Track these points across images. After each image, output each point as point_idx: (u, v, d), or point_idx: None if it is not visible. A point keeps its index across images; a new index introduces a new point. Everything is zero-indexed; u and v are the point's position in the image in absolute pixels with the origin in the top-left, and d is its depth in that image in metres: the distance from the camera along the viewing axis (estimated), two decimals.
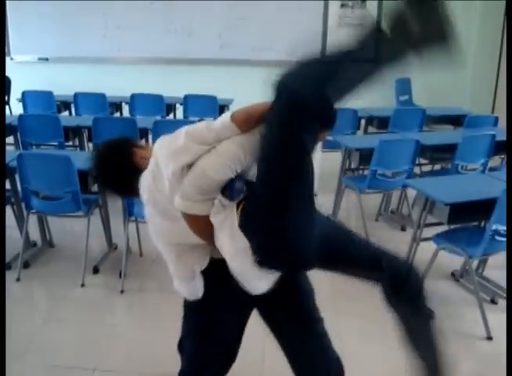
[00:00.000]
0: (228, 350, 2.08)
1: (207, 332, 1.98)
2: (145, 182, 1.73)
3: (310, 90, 1.53)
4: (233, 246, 1.64)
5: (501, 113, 7.14)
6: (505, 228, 3.07)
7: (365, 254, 1.95)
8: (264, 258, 1.63)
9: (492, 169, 4.93)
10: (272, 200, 1.57)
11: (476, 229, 3.57)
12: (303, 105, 1.49)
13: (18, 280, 3.78)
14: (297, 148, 1.54)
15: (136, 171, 1.76)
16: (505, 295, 3.58)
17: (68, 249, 4.31)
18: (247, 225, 1.61)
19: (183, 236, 1.73)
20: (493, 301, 3.58)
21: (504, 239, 3.10)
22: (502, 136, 4.71)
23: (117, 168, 1.88)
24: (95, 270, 3.92)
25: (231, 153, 1.60)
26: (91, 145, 5.44)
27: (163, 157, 1.68)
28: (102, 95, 6.68)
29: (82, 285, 3.73)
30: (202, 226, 1.68)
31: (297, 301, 2.06)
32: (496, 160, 5.40)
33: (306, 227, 1.64)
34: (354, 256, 1.92)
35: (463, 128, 5.89)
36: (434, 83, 8.28)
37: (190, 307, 1.99)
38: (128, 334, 3.26)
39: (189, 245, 1.79)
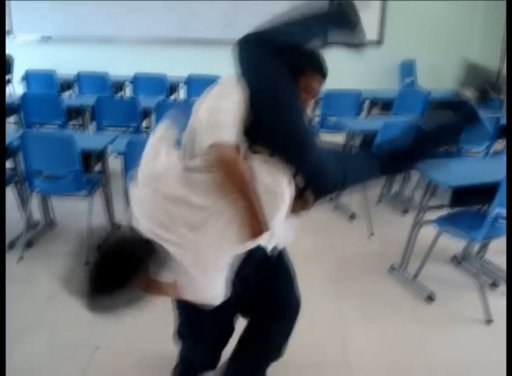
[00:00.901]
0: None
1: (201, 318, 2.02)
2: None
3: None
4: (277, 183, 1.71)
5: (505, 96, 7.07)
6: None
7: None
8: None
9: (496, 153, 4.91)
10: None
11: (478, 213, 3.57)
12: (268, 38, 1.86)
13: (21, 258, 3.80)
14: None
15: None
16: (505, 278, 3.60)
17: (71, 229, 4.33)
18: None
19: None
20: (494, 285, 3.59)
21: (505, 222, 3.10)
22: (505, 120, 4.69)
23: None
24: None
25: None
26: (93, 125, 5.42)
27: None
28: (105, 75, 6.66)
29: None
30: (238, 170, 1.68)
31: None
32: (500, 144, 5.37)
33: None
34: None
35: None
36: (439, 65, 8.22)
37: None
38: (132, 313, 3.27)
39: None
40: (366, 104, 6.28)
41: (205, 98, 1.83)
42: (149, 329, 3.05)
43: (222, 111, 1.72)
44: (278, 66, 1.80)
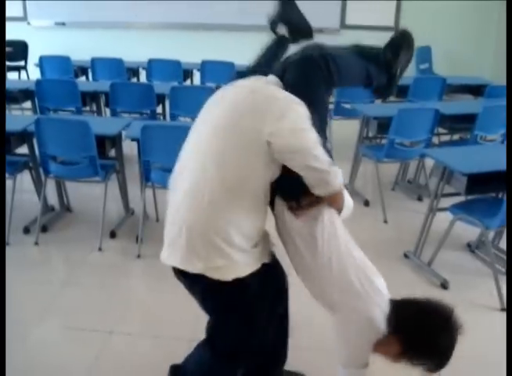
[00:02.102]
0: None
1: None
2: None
3: None
4: None
5: None
6: None
7: None
8: None
9: None
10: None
11: (493, 200, 3.55)
12: None
13: (36, 244, 3.83)
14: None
15: None
16: None
17: (85, 214, 4.36)
18: None
19: None
20: None
21: None
22: None
23: None
24: (113, 235, 3.97)
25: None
26: (108, 110, 5.43)
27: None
28: (120, 61, 6.65)
29: (99, 249, 3.78)
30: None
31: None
32: None
33: None
34: None
35: (483, 98, 5.81)
36: (456, 52, 8.15)
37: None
38: (144, 297, 3.31)
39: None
40: None
41: (256, 113, 1.71)
42: (164, 313, 3.08)
43: (315, 143, 1.70)
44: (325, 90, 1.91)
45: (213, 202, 1.68)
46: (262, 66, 2.16)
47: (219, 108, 1.80)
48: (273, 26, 2.28)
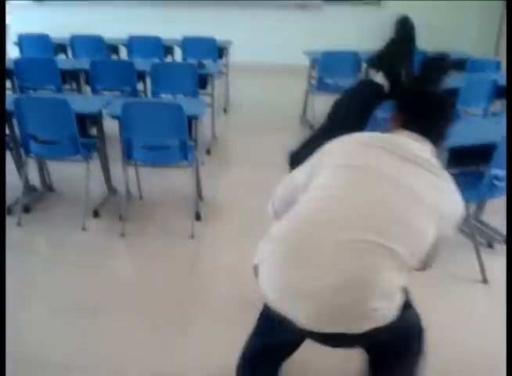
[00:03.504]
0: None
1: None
2: None
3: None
4: None
5: (504, 57, 7.04)
6: (504, 173, 3.07)
7: None
8: None
9: (493, 114, 4.89)
10: None
11: (474, 174, 3.57)
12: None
13: (19, 224, 3.81)
14: None
15: None
16: (500, 239, 3.63)
17: (68, 193, 4.33)
18: None
19: None
20: (490, 246, 3.61)
21: (502, 184, 3.11)
22: (503, 81, 4.66)
23: None
24: (96, 214, 3.95)
25: None
26: (88, 88, 5.37)
27: None
28: (99, 38, 6.56)
29: (83, 229, 3.77)
30: None
31: None
32: (497, 105, 5.35)
33: None
34: None
35: (465, 72, 5.82)
36: (438, 26, 8.13)
37: None
38: (129, 275, 3.32)
39: None
40: (364, 65, 6.22)
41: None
42: (149, 291, 3.09)
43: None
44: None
45: None
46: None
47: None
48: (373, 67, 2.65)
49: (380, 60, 2.69)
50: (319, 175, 1.77)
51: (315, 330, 1.62)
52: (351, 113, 2.36)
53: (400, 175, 1.70)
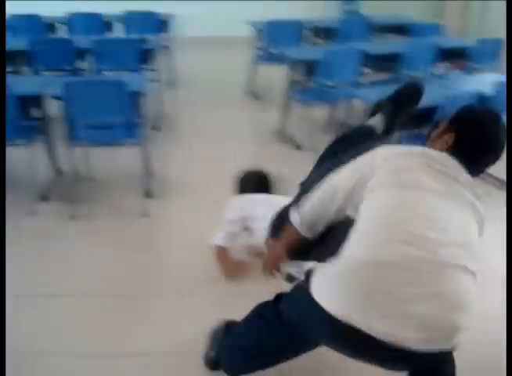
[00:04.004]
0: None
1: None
2: None
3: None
4: None
5: (449, 21, 7.16)
6: None
7: None
8: None
9: (437, 77, 4.97)
10: None
11: (419, 135, 3.63)
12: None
13: None
14: None
15: None
16: None
17: (15, 178, 4.21)
18: None
19: None
20: None
21: None
22: (446, 44, 4.74)
23: None
24: (45, 197, 3.87)
25: None
26: (28, 69, 5.21)
27: None
28: (37, 17, 6.35)
29: (32, 213, 3.69)
30: None
31: None
32: (441, 68, 5.44)
33: None
34: None
35: (407, 36, 5.90)
36: None
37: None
38: (81, 257, 3.27)
39: None
40: (308, 33, 6.23)
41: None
42: (105, 272, 3.07)
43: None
44: None
45: None
46: None
47: None
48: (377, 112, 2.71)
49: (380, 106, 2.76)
50: (376, 190, 1.71)
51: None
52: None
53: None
